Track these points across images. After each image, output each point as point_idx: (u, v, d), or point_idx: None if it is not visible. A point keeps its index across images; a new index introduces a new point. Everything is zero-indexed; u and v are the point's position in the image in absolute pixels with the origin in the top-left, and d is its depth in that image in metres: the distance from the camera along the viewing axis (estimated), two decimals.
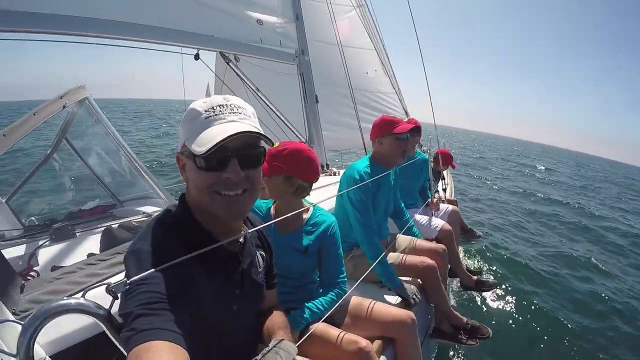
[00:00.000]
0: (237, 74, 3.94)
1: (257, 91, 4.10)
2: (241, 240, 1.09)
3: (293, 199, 1.74)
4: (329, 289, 1.80)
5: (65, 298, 0.76)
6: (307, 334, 1.50)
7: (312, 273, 1.84)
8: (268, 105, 4.12)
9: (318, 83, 4.39)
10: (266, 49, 3.88)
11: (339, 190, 2.54)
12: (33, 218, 2.49)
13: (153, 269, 0.79)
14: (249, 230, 1.14)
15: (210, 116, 0.90)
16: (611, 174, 49.07)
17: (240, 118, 0.93)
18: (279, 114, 4.16)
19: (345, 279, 1.84)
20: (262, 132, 0.92)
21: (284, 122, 4.18)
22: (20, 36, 2.28)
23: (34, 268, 1.62)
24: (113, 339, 0.79)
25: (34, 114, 1.87)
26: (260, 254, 1.21)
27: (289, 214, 1.43)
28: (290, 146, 1.67)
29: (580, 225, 9.75)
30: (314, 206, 1.83)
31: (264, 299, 1.21)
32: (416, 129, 2.62)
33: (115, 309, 0.79)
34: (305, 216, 1.79)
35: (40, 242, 1.93)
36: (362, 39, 5.99)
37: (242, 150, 0.91)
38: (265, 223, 1.24)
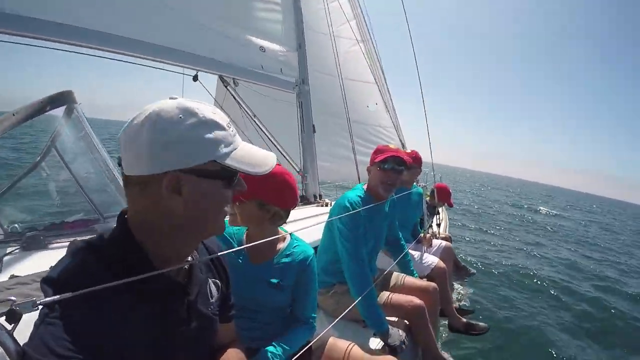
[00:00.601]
0: (234, 98, 3.98)
1: (253, 117, 4.14)
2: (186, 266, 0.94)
3: (268, 227, 1.59)
4: (299, 325, 1.66)
5: None
6: None
7: (285, 309, 1.68)
8: (264, 132, 4.15)
9: (316, 113, 4.42)
10: (267, 76, 3.92)
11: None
12: (17, 225, 2.44)
13: (70, 294, 0.66)
14: (208, 257, 1.04)
15: (235, 133, 0.86)
16: (623, 216, 47.01)
17: None
18: (274, 141, 4.18)
19: (316, 317, 1.71)
20: None
21: (279, 150, 4.19)
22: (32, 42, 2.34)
23: None
24: None
25: (13, 115, 1.84)
26: (214, 282, 1.06)
27: (261, 241, 1.32)
28: None
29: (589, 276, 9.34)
30: (291, 235, 1.68)
31: (216, 334, 1.07)
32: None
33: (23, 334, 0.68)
34: (281, 246, 1.63)
35: (9, 249, 1.88)
36: (364, 72, 6.06)
37: None
38: (230, 248, 1.15)
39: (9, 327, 0.67)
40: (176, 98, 0.81)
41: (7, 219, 2.23)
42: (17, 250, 1.89)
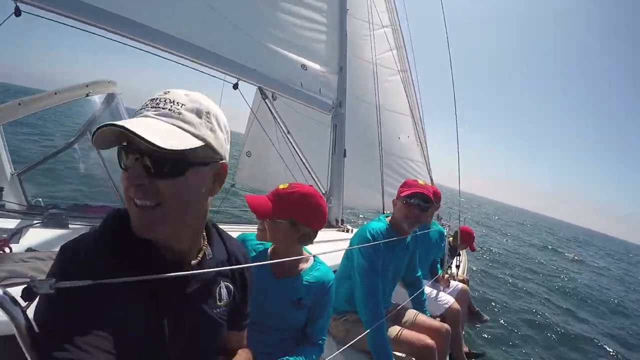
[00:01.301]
0: (271, 112, 3.99)
1: (287, 133, 4.13)
2: (199, 257, 0.90)
3: (295, 246, 1.61)
4: (309, 345, 1.65)
5: None
6: None
7: (299, 329, 1.68)
8: (295, 150, 4.13)
9: (348, 138, 4.40)
10: (305, 94, 3.95)
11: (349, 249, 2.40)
12: (40, 199, 2.46)
13: (87, 281, 0.67)
14: (231, 267, 0.98)
15: (138, 110, 0.77)
16: None
17: (159, 114, 0.74)
18: (304, 160, 4.15)
19: (325, 339, 1.71)
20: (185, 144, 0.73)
21: (307, 170, 4.15)
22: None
23: (10, 244, 1.55)
24: (22, 346, 0.66)
25: (55, 94, 1.88)
26: (226, 285, 0.98)
27: (286, 259, 1.37)
28: (300, 189, 1.54)
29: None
30: (314, 257, 1.70)
31: (220, 339, 0.99)
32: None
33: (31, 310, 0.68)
34: (304, 266, 1.65)
35: (33, 222, 1.88)
36: (401, 103, 6.05)
37: (152, 153, 0.72)
38: (255, 261, 1.14)
39: (23, 304, 0.67)
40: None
41: (31, 192, 2.24)
42: (37, 225, 1.89)
